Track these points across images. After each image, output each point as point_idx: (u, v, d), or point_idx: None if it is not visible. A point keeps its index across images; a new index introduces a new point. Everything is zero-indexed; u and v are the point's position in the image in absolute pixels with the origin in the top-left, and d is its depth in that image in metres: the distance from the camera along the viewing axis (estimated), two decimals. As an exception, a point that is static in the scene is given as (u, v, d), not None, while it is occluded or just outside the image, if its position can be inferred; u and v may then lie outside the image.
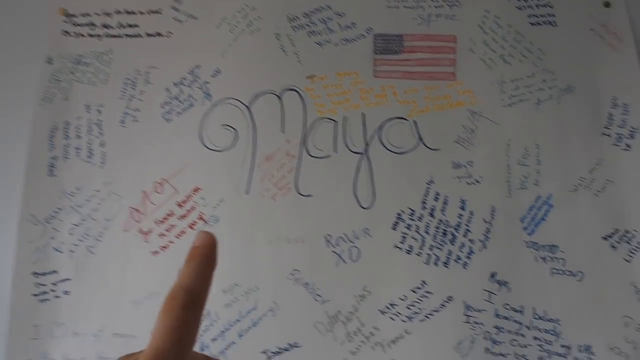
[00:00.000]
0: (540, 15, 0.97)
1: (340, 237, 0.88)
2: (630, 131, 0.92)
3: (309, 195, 0.89)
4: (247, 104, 0.93)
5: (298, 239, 0.87)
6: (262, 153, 0.91)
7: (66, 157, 0.92)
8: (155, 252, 0.89)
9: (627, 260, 0.86)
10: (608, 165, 0.90)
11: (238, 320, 0.84)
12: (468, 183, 0.90)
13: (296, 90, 0.94)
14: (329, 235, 0.88)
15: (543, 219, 0.89)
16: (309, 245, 0.87)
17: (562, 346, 0.83)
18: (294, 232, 0.88)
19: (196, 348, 0.31)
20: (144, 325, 0.85)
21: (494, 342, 0.84)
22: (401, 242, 0.88)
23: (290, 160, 0.91)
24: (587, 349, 0.82)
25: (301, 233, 0.88)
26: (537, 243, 0.87)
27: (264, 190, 0.90)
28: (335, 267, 0.86)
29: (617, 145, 0.92)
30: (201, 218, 0.89)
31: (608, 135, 0.92)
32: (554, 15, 0.97)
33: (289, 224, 0.88)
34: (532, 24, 0.97)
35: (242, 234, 0.88)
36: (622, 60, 0.95)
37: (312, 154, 0.91)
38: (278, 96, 0.94)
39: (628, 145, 0.92)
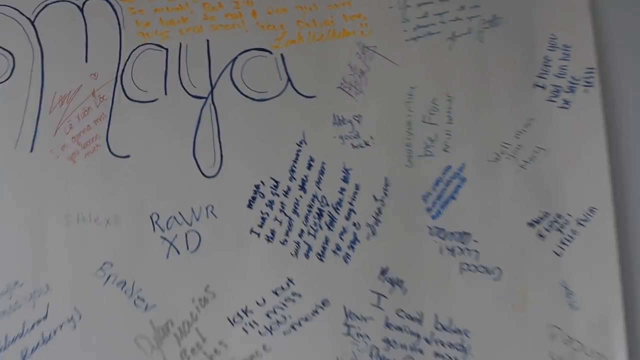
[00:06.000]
0: None
1: (173, 218, 0.72)
2: (571, 83, 0.78)
3: (126, 156, 0.73)
4: (29, 17, 0.73)
5: (110, 218, 0.72)
6: (55, 92, 0.73)
7: None
8: None
9: (557, 254, 0.76)
10: (540, 127, 0.78)
11: (20, 335, 0.69)
12: (354, 146, 0.76)
13: (107, 0, 0.75)
14: (156, 214, 0.73)
15: (452, 197, 0.77)
16: (127, 227, 0.72)
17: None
18: (104, 208, 0.72)
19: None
20: None
21: (383, 360, 0.75)
22: (259, 226, 0.74)
23: (98, 103, 0.74)
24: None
25: (115, 210, 0.72)
26: (443, 229, 0.77)
27: (58, 148, 0.72)
28: (165, 260, 0.72)
29: (552, 101, 0.79)
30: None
31: (542, 87, 0.79)
32: None
33: (97, 198, 0.72)
34: None
35: (24, 210, 0.71)
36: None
37: (130, 97, 0.74)
38: (79, 7, 0.74)
39: (566, 102, 0.78)
